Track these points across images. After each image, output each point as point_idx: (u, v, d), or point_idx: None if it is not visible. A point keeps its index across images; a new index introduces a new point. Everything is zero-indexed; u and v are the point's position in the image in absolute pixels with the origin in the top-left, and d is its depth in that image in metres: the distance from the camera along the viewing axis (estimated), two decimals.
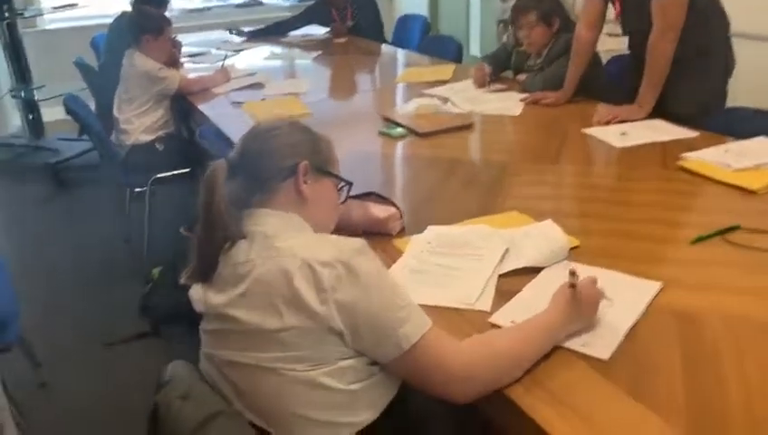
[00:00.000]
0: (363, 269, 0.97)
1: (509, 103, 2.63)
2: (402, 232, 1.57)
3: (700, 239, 1.46)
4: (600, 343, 1.10)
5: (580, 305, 1.13)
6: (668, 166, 1.92)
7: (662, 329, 1.15)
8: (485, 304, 1.24)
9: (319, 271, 0.95)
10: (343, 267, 0.96)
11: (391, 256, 1.45)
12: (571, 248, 1.43)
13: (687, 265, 1.36)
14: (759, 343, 1.11)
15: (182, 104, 3.06)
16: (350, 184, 1.20)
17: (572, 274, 1.14)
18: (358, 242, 1.01)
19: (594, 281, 1.17)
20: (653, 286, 1.27)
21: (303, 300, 0.95)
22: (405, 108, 2.58)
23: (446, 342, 1.01)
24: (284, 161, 1.10)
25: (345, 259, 0.96)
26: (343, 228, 1.55)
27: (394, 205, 1.56)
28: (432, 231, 1.53)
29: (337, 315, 0.95)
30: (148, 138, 2.96)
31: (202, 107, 2.83)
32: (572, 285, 1.15)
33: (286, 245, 1.00)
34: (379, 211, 1.55)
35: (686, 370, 1.05)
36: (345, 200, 1.20)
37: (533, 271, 1.35)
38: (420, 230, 1.55)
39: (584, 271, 1.33)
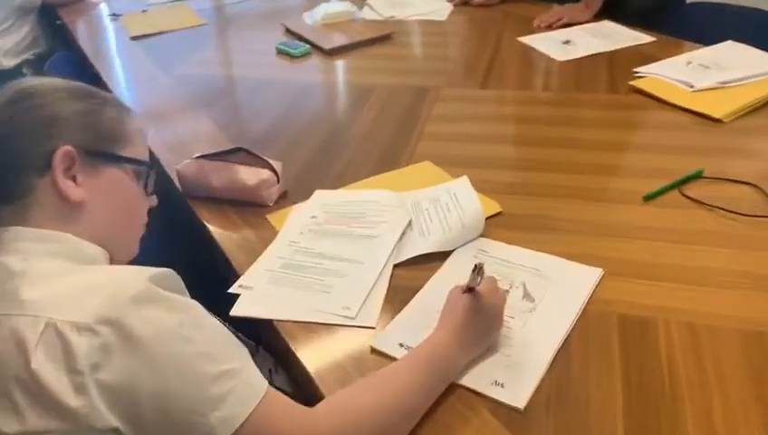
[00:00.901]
0: (146, 328, 0.63)
1: (436, 5, 2.22)
2: (284, 197, 1.23)
3: (652, 196, 1.15)
4: (515, 382, 0.81)
5: (481, 319, 0.83)
6: (618, 87, 1.59)
7: (600, 347, 0.86)
8: (370, 316, 0.93)
9: (72, 341, 0.61)
10: (112, 331, 0.62)
11: (263, 239, 1.11)
12: (490, 217, 1.11)
13: (637, 237, 1.06)
14: (738, 364, 0.83)
15: (52, 17, 2.55)
16: (148, 166, 0.83)
17: (477, 270, 0.82)
18: (143, 280, 0.66)
19: (493, 281, 0.87)
20: (591, 275, 0.97)
21: (48, 390, 0.61)
22: (310, 16, 2.15)
23: (288, 414, 0.70)
24: (36, 148, 0.73)
25: (115, 316, 0.63)
26: (206, 199, 1.22)
27: (269, 166, 1.21)
28: (319, 199, 1.19)
29: (105, 408, 0.62)
30: (12, 62, 2.47)
31: (71, 22, 2.34)
32: (470, 289, 0.84)
33: (34, 294, 0.65)
34: (249, 175, 1.19)
35: (631, 421, 0.77)
36: (152, 192, 0.84)
37: (440, 256, 1.03)
38: (308, 194, 1.21)
39: (501, 251, 1.03)
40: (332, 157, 1.36)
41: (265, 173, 1.19)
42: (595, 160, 1.29)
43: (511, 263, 1.00)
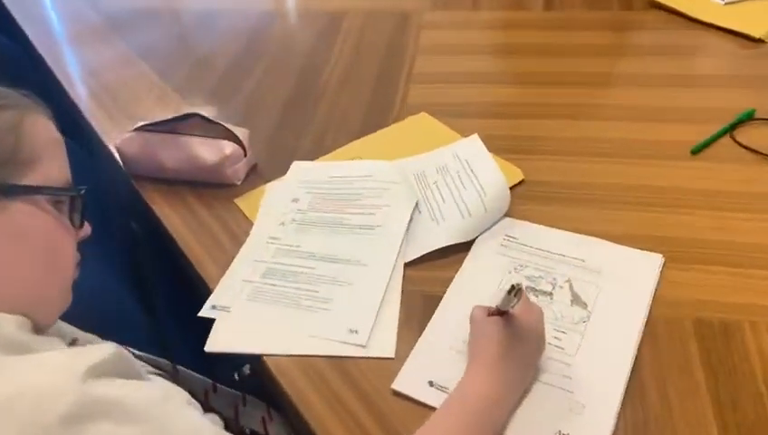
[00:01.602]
0: None
1: None
2: (254, 171, 1.00)
3: (701, 148, 0.96)
4: (584, 431, 0.63)
5: (521, 347, 0.65)
6: (634, 3, 1.35)
7: (678, 366, 0.69)
8: (385, 342, 0.73)
9: None
10: None
11: (233, 233, 0.89)
12: (511, 187, 0.90)
13: (693, 205, 0.87)
14: None
15: None
16: (71, 191, 0.59)
17: (515, 292, 0.62)
18: (76, 383, 0.45)
19: (524, 296, 0.67)
20: (649, 263, 0.79)
21: None
22: None
23: None
24: None
25: None
26: (156, 179, 0.98)
27: (232, 136, 0.97)
28: (299, 174, 0.97)
29: None
30: None
31: None
32: (502, 312, 0.65)
33: None
34: (208, 151, 0.95)
35: None
36: (81, 225, 0.60)
37: (458, 246, 0.83)
38: (283, 169, 0.98)
39: (532, 236, 0.83)
40: (306, 112, 1.12)
41: (228, 146, 0.95)
42: (622, 101, 1.08)
43: (548, 253, 0.81)
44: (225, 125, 0.98)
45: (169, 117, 0.99)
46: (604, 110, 1.06)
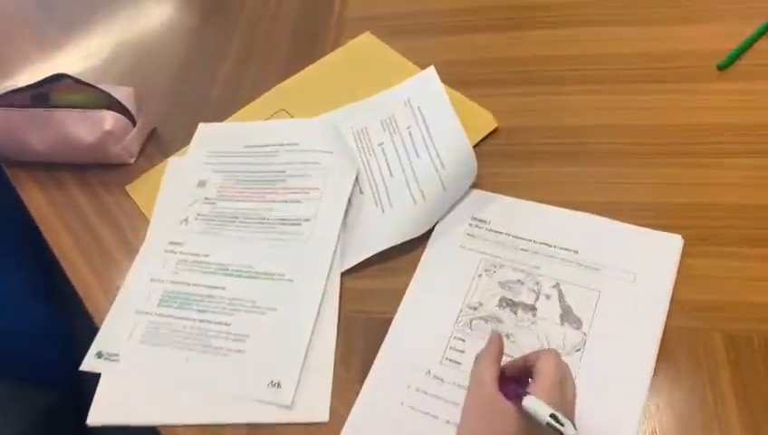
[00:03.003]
0: None
1: None
2: (151, 141, 0.78)
3: (730, 62, 0.72)
4: None
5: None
6: None
7: (703, 414, 0.51)
8: (316, 400, 0.55)
9: None
10: None
11: (122, 237, 0.69)
12: (480, 141, 0.69)
13: (722, 152, 0.65)
14: None
15: None
16: None
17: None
18: None
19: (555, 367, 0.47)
20: (666, 249, 0.59)
21: None
22: None
23: None
24: None
25: None
26: (25, 161, 0.77)
27: (114, 103, 0.73)
28: (207, 142, 0.75)
29: None
30: None
31: None
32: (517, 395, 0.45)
33: None
34: (84, 127, 0.72)
35: None
36: None
37: (415, 239, 0.63)
38: (187, 131, 0.76)
39: (508, 219, 0.63)
40: (216, 45, 0.87)
41: (109, 118, 0.72)
42: (620, 5, 0.82)
43: (530, 242, 0.61)
44: (101, 87, 0.74)
45: (29, 84, 0.75)
46: (597, 11, 0.81)
